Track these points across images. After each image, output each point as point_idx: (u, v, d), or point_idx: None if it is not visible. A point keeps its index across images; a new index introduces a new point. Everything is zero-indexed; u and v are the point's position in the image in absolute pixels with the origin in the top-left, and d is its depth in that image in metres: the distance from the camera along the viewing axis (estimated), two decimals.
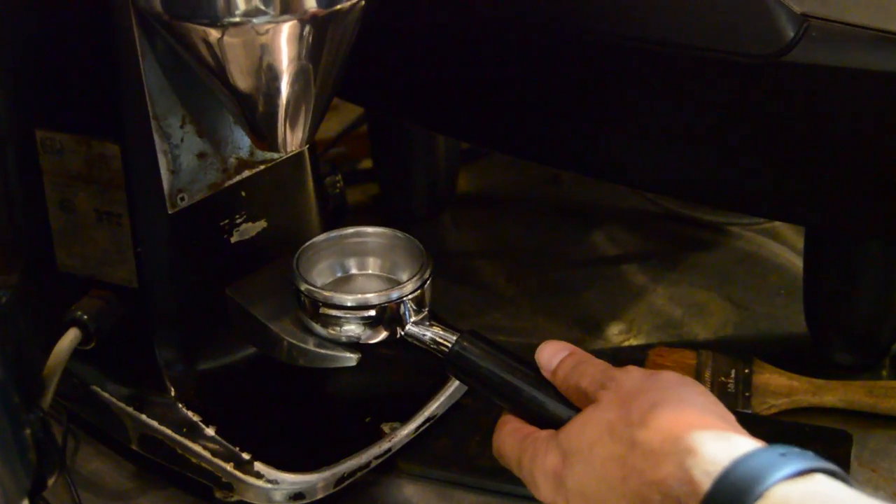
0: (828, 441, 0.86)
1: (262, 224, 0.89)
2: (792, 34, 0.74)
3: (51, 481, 0.77)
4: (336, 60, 0.78)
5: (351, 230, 0.86)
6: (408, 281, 0.80)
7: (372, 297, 0.78)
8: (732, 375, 0.92)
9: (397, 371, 0.92)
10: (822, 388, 0.90)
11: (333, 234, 0.86)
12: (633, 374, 0.66)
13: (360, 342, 0.79)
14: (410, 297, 0.79)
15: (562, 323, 1.02)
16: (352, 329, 0.79)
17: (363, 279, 0.86)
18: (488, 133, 0.99)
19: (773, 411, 0.90)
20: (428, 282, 0.81)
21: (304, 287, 0.79)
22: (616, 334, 1.02)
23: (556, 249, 1.16)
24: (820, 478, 0.56)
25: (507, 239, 1.20)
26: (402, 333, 0.79)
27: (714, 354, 0.93)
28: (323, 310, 0.79)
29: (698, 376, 0.92)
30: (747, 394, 0.90)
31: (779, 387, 0.91)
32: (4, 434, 0.66)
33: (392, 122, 1.17)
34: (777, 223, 1.16)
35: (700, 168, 0.86)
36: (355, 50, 0.80)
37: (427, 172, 1.21)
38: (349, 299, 0.79)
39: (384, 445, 0.85)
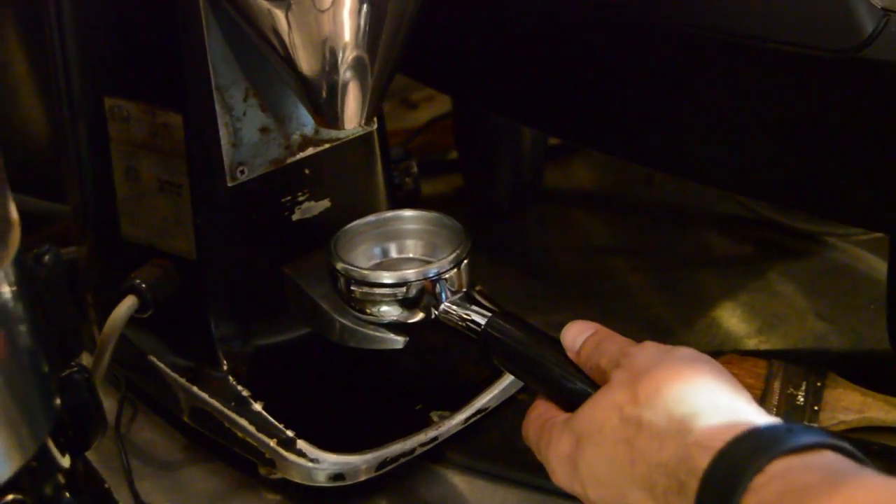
0: (892, 461, 0.81)
1: (325, 203, 0.89)
2: (871, 28, 0.71)
3: (94, 443, 0.78)
4: (397, 35, 0.78)
5: (390, 214, 0.86)
6: (444, 259, 0.79)
7: (408, 274, 0.78)
8: (803, 388, 0.87)
9: (453, 360, 0.91)
10: None
11: (371, 217, 0.85)
12: (647, 349, 0.64)
13: (396, 322, 0.78)
14: (446, 275, 0.78)
15: (633, 325, 0.99)
16: (387, 309, 0.78)
17: (401, 261, 0.85)
18: (577, 128, 0.97)
19: (841, 427, 0.85)
20: (465, 261, 0.79)
21: (340, 266, 0.79)
22: (692, 339, 0.98)
23: (641, 252, 1.13)
24: (827, 454, 0.52)
25: (591, 239, 1.17)
26: (437, 313, 0.78)
27: (786, 365, 0.89)
28: (357, 288, 0.78)
29: (767, 387, 0.88)
30: (816, 407, 0.86)
31: (850, 402, 0.86)
32: (23, 375, 0.66)
33: (477, 112, 1.15)
34: (878, 234, 1.10)
35: (780, 169, 0.82)
36: (418, 25, 0.79)
37: (511, 166, 1.19)
38: (385, 276, 0.78)
39: (431, 433, 0.83)
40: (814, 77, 0.75)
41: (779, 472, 0.51)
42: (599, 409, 0.62)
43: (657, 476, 0.57)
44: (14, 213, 0.60)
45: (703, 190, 1.19)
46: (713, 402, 0.58)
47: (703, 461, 0.54)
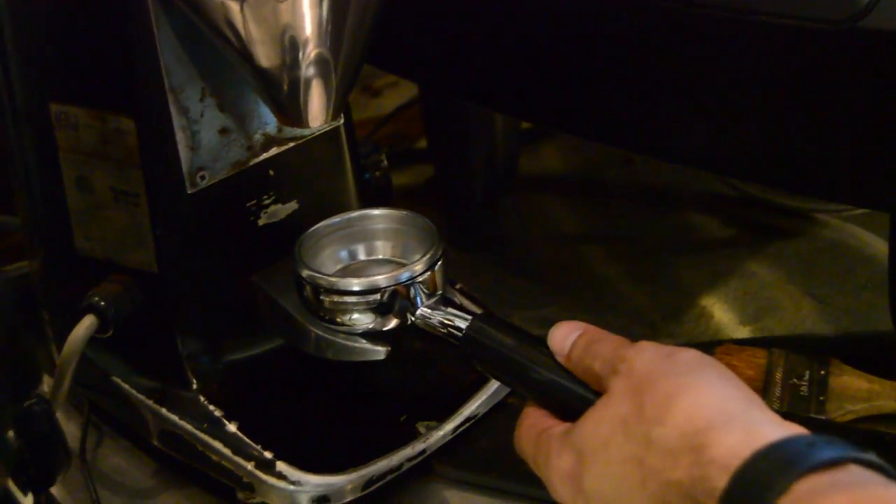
0: None
1: (293, 206, 0.83)
2: None
3: (60, 476, 0.73)
4: (362, 27, 0.72)
5: (357, 213, 0.81)
6: (417, 261, 0.74)
7: (379, 280, 0.73)
8: (806, 377, 0.83)
9: (436, 367, 0.86)
10: None
11: (337, 218, 0.80)
12: (645, 353, 0.58)
13: (371, 330, 0.74)
14: (420, 278, 0.73)
15: (623, 317, 0.95)
16: (359, 317, 0.73)
17: (371, 265, 0.80)
18: (552, 112, 0.92)
19: (849, 417, 0.82)
20: (439, 263, 0.75)
21: (306, 273, 0.74)
22: (683, 330, 0.94)
23: (622, 239, 1.09)
24: (853, 469, 0.48)
25: (570, 227, 1.13)
26: (413, 319, 0.73)
27: (787, 354, 0.85)
28: (326, 297, 0.73)
29: (769, 378, 0.84)
30: (822, 398, 0.82)
31: (857, 391, 0.82)
32: None
33: (446, 99, 1.10)
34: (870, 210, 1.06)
35: (773, 149, 0.78)
36: (384, 16, 0.73)
37: (485, 153, 1.14)
38: (355, 283, 0.73)
39: (418, 446, 0.79)
40: (808, 50, 0.71)
41: (804, 494, 0.47)
42: (603, 424, 0.57)
43: (671, 496, 0.52)
44: None
45: (683, 168, 1.15)
46: (727, 414, 0.53)
47: (720, 481, 0.50)
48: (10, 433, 0.62)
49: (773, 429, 0.52)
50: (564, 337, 0.64)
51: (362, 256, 0.81)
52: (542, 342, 0.66)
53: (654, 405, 0.55)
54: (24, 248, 0.90)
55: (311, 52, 0.71)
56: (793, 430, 0.52)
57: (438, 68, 0.98)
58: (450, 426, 0.81)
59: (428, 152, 1.19)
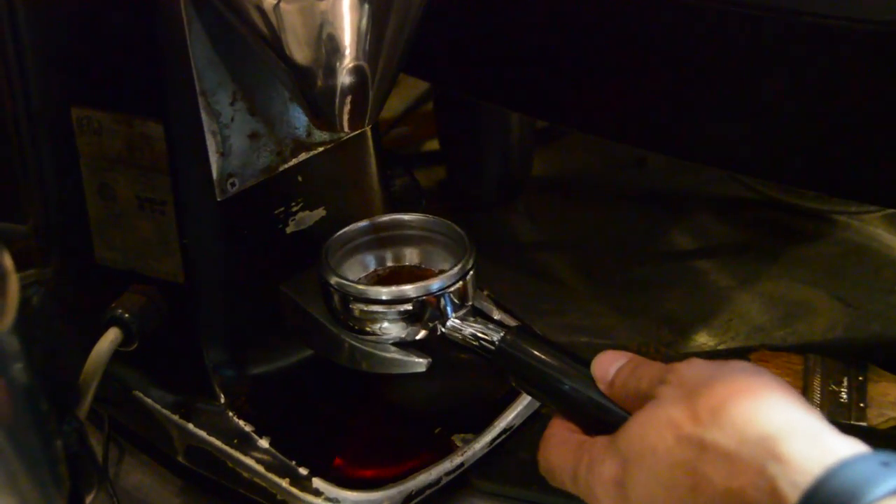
0: None
1: (320, 212, 0.81)
2: None
3: (89, 498, 0.71)
4: (403, 30, 0.70)
5: (387, 218, 0.79)
6: (448, 272, 0.72)
7: (409, 290, 0.71)
8: (845, 383, 0.82)
9: (469, 377, 0.84)
10: None
11: (366, 222, 0.79)
12: (695, 363, 0.57)
13: (401, 340, 0.72)
14: (451, 289, 0.72)
15: (648, 323, 0.93)
16: (388, 326, 0.72)
17: (400, 272, 0.78)
18: (566, 109, 0.90)
19: (891, 424, 0.81)
20: (471, 273, 0.73)
21: (334, 280, 0.72)
22: (710, 336, 0.92)
23: (641, 240, 1.07)
24: None
25: (586, 228, 1.10)
26: (443, 330, 0.72)
27: (824, 359, 0.84)
28: (355, 305, 0.71)
29: (807, 384, 0.83)
30: (862, 404, 0.81)
31: None
32: (32, 447, 0.59)
33: (460, 98, 1.08)
34: (889, 211, 1.05)
35: (809, 147, 0.77)
36: (424, 19, 0.71)
37: (499, 154, 1.12)
38: (384, 292, 0.71)
39: (456, 460, 0.77)
40: (851, 50, 0.70)
41: None
42: (651, 427, 0.55)
43: None
44: (8, 261, 0.51)
45: (698, 171, 1.13)
46: (791, 423, 0.51)
47: (790, 498, 0.48)
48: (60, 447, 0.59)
49: (837, 441, 0.50)
50: (608, 365, 0.62)
51: (390, 263, 0.79)
52: (577, 357, 0.65)
53: (709, 408, 0.53)
54: (34, 257, 0.87)
55: (350, 54, 0.68)
56: (855, 443, 0.50)
57: (452, 66, 0.96)
58: (486, 438, 0.79)
59: (439, 153, 1.17)
